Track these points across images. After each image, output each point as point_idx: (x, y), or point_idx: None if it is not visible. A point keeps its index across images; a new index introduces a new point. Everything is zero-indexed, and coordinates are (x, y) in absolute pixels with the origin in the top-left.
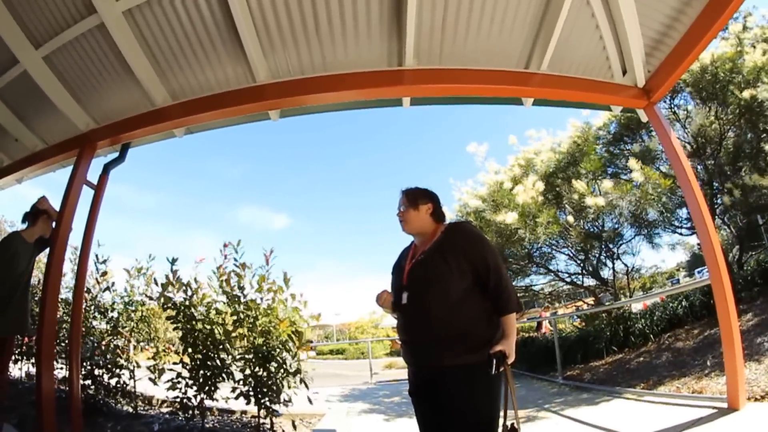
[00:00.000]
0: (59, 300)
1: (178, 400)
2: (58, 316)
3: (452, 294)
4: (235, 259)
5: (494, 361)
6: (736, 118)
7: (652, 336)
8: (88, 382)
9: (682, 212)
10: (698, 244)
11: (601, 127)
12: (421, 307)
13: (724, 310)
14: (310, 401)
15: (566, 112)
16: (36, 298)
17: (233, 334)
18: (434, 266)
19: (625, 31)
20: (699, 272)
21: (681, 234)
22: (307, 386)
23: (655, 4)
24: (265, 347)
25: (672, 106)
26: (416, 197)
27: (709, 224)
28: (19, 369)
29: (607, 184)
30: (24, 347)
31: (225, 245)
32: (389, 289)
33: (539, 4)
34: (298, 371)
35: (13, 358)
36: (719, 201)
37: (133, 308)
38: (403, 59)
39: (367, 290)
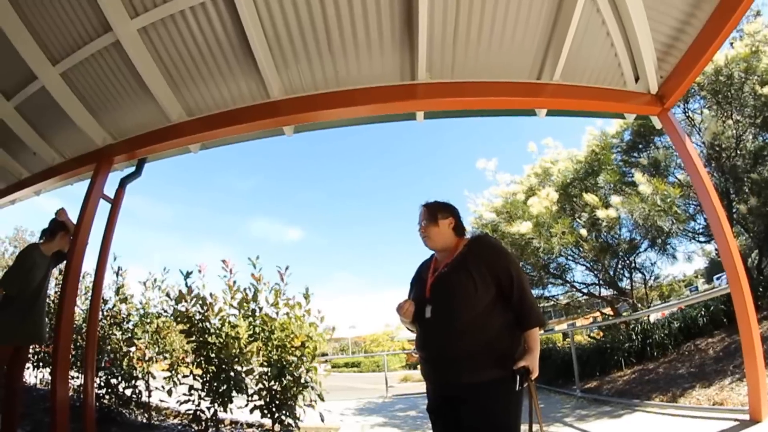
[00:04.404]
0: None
1: (192, 411)
2: (76, 326)
3: (477, 307)
4: (252, 274)
5: (518, 377)
6: (754, 119)
7: (671, 346)
8: (103, 391)
9: (698, 220)
10: (716, 250)
11: (614, 135)
12: (445, 321)
13: (744, 318)
14: (321, 418)
15: (581, 120)
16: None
17: (248, 348)
18: (459, 279)
19: (636, 38)
20: (718, 279)
21: (699, 241)
22: (322, 399)
23: (665, 8)
24: (280, 362)
25: (686, 110)
26: (436, 212)
27: (727, 231)
28: (34, 377)
29: (615, 199)
30: (41, 354)
31: (225, 262)
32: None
33: (550, 14)
34: (311, 386)
35: (29, 365)
36: (736, 207)
37: (149, 320)
38: (415, 73)
39: (383, 303)
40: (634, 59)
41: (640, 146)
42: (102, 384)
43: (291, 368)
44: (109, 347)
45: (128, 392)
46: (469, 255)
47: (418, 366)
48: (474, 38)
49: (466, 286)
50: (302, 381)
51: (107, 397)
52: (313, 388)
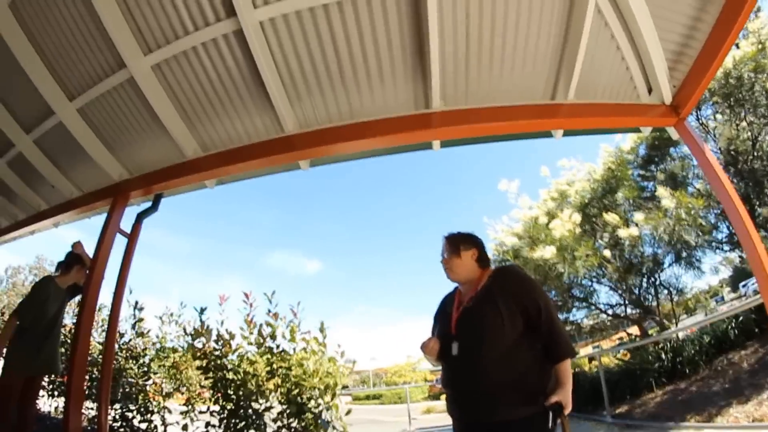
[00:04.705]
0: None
1: None
2: (92, 358)
3: (505, 342)
4: (269, 310)
5: (551, 413)
6: None
7: (702, 362)
8: (118, 425)
9: (721, 228)
10: (740, 258)
11: (630, 150)
12: (472, 358)
13: None
14: None
15: (596, 137)
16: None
17: (266, 385)
18: (485, 313)
19: (646, 48)
20: (743, 286)
21: (723, 250)
22: None
23: (671, 15)
24: (299, 398)
25: (699, 117)
26: (458, 243)
27: (755, 238)
28: (49, 405)
29: (638, 216)
30: (56, 383)
31: (247, 295)
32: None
33: (559, 33)
34: (332, 424)
35: (44, 393)
36: (758, 211)
37: (165, 355)
38: (430, 102)
39: (404, 334)
40: (645, 71)
41: (656, 159)
42: (117, 417)
43: (311, 405)
44: (124, 380)
45: (143, 426)
46: (494, 287)
47: (442, 396)
48: (486, 63)
49: (494, 320)
50: (323, 419)
51: (122, 430)
52: (334, 427)
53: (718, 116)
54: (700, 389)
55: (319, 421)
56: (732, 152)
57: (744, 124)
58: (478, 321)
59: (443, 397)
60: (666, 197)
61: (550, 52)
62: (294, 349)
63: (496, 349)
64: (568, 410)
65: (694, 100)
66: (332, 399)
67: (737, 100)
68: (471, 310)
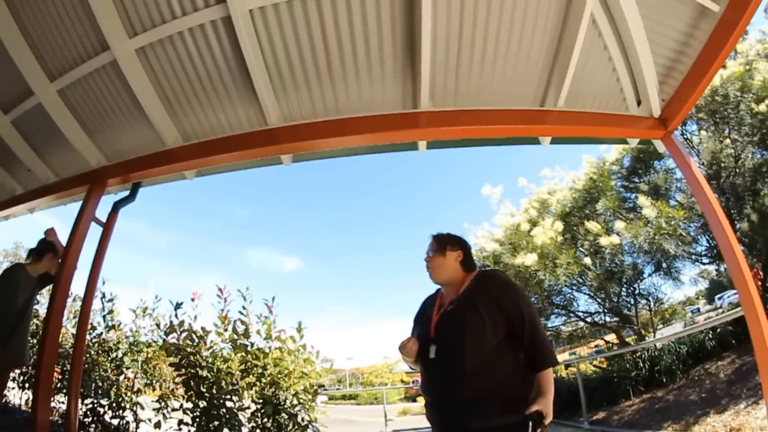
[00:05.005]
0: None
1: None
2: (64, 350)
3: (485, 347)
4: (243, 307)
5: (531, 423)
6: (751, 137)
7: (679, 372)
8: (89, 420)
9: (700, 241)
10: (717, 270)
11: (614, 161)
12: (451, 363)
13: (760, 338)
14: None
15: (582, 147)
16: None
17: (240, 383)
18: (465, 317)
19: (638, 61)
20: (719, 298)
21: (702, 263)
22: None
23: (665, 30)
24: (274, 398)
25: (684, 132)
26: (445, 243)
27: (737, 250)
28: (19, 398)
29: (619, 224)
30: (27, 375)
31: (221, 289)
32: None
33: (553, 40)
34: (309, 424)
35: (15, 386)
36: (738, 226)
37: (138, 349)
38: (418, 102)
39: (380, 335)
40: (636, 83)
41: (640, 171)
42: (88, 412)
43: (286, 406)
44: (97, 375)
45: (115, 422)
46: (476, 291)
47: (418, 398)
48: (477, 66)
49: (474, 324)
50: (299, 419)
51: (93, 426)
52: (312, 428)
53: (703, 132)
54: (677, 398)
55: (297, 420)
56: (714, 167)
57: (728, 141)
58: (458, 325)
59: (420, 398)
60: (647, 206)
61: (542, 57)
62: (270, 348)
63: (476, 355)
64: (548, 420)
65: (682, 115)
66: (311, 400)
67: (723, 118)
68: (451, 313)
